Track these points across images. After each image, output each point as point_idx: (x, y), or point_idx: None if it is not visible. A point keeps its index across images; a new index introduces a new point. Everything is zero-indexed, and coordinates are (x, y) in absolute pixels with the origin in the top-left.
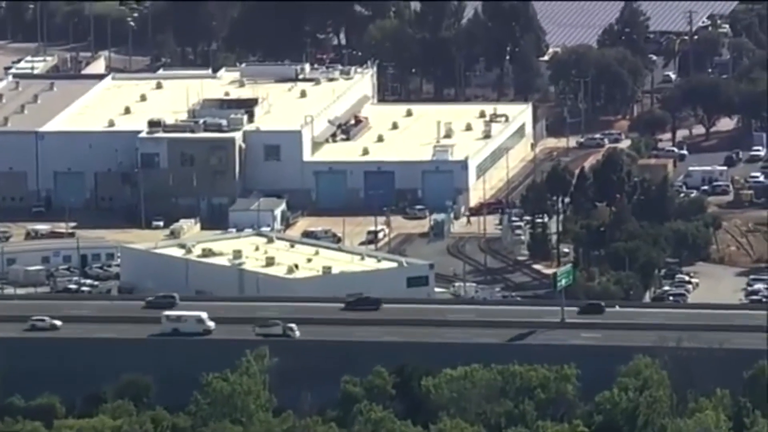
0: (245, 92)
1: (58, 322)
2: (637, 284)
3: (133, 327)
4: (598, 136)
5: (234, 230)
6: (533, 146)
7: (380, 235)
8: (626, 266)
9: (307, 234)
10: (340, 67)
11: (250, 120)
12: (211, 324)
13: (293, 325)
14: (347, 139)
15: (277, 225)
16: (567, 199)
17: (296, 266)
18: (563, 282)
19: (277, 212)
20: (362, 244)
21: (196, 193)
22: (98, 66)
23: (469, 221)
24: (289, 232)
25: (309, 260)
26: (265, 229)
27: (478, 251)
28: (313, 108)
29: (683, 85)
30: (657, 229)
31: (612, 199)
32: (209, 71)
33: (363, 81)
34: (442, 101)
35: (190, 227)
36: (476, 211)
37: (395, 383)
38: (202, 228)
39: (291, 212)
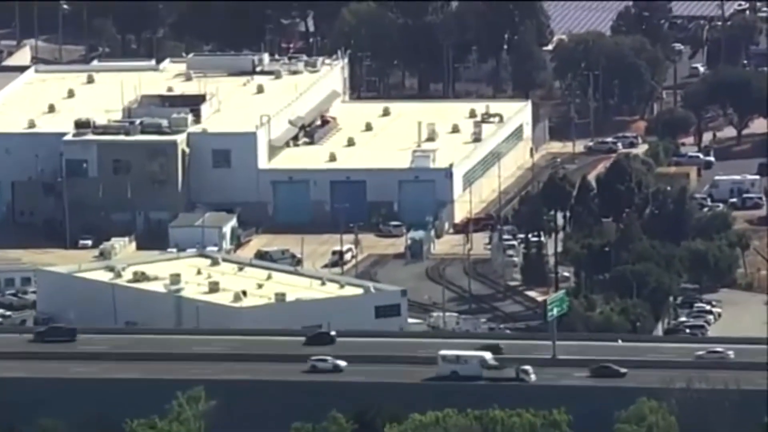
0: (192, 87)
1: None
2: (646, 314)
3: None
4: (610, 139)
5: (175, 250)
6: (533, 151)
7: (347, 256)
8: (633, 293)
9: (260, 255)
10: (305, 57)
11: (197, 120)
12: None
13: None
14: (311, 143)
15: (226, 244)
16: (567, 214)
17: (244, 293)
18: (555, 311)
19: (227, 229)
20: (326, 266)
21: (131, 207)
22: (23, 57)
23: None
24: (241, 253)
25: (260, 286)
26: (211, 249)
27: (463, 275)
28: (271, 106)
29: (710, 79)
30: (672, 250)
31: (619, 213)
32: (152, 63)
33: (332, 74)
34: (427, 98)
35: (123, 247)
36: (462, 227)
37: (354, 430)
38: (138, 248)
39: (243, 229)
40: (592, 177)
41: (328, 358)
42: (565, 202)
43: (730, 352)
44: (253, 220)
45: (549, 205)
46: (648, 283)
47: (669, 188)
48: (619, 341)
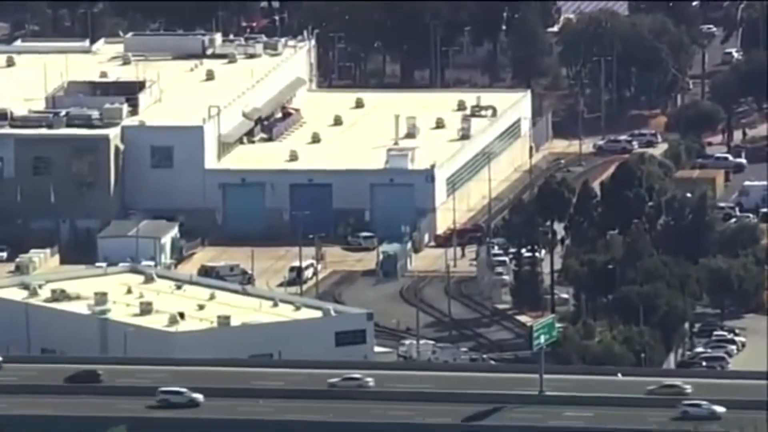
0: (129, 72)
1: None
2: (653, 343)
3: None
4: (624, 137)
5: (105, 265)
6: (532, 151)
7: (308, 272)
8: (640, 318)
9: (204, 271)
10: (264, 39)
11: (133, 111)
12: None
13: None
14: (269, 139)
15: (166, 258)
16: (566, 225)
17: (182, 315)
18: (542, 339)
19: (166, 240)
20: (282, 285)
21: (53, 213)
22: None
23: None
24: (183, 268)
25: (201, 307)
26: (147, 263)
27: (444, 296)
28: (222, 95)
29: (743, 67)
30: (687, 268)
31: (627, 225)
32: (84, 43)
33: (296, 58)
34: (410, 88)
35: (44, 260)
36: (445, 240)
37: None
38: (62, 261)
39: (186, 240)
40: (596, 182)
41: (184, 390)
42: (564, 211)
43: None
44: (199, 229)
45: (544, 215)
46: (658, 307)
47: (689, 195)
48: (619, 375)
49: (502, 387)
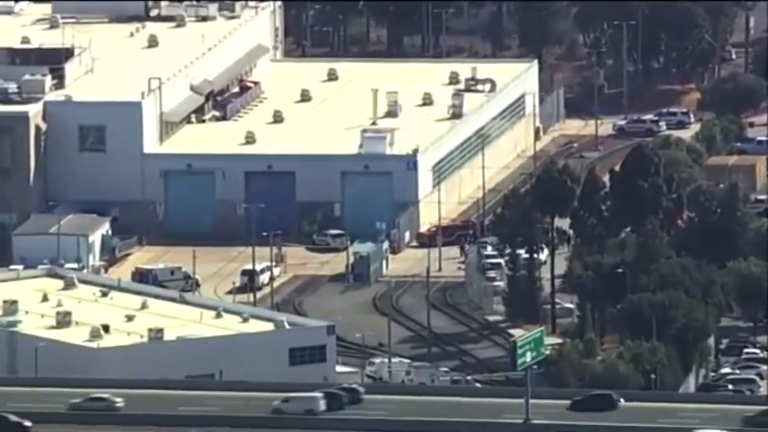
0: (57, 37)
1: None
2: (667, 363)
3: None
4: (650, 117)
5: (20, 267)
6: (539, 133)
7: (263, 277)
8: (654, 332)
9: (140, 274)
10: None
11: (59, 84)
12: None
13: None
14: (223, 118)
15: (95, 259)
16: (568, 222)
17: (106, 328)
18: (528, 357)
19: (95, 238)
20: (231, 292)
21: None
22: None
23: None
24: (116, 271)
25: (129, 318)
26: (71, 266)
27: (425, 305)
28: (167, 65)
29: None
30: (711, 273)
31: (640, 221)
32: (8, 3)
33: (258, 22)
34: (399, 56)
35: None
36: (429, 239)
37: None
38: None
39: (121, 238)
40: (604, 170)
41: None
42: (566, 204)
43: None
44: (136, 225)
45: (543, 209)
46: (674, 319)
47: (719, 185)
48: (621, 401)
49: (482, 414)
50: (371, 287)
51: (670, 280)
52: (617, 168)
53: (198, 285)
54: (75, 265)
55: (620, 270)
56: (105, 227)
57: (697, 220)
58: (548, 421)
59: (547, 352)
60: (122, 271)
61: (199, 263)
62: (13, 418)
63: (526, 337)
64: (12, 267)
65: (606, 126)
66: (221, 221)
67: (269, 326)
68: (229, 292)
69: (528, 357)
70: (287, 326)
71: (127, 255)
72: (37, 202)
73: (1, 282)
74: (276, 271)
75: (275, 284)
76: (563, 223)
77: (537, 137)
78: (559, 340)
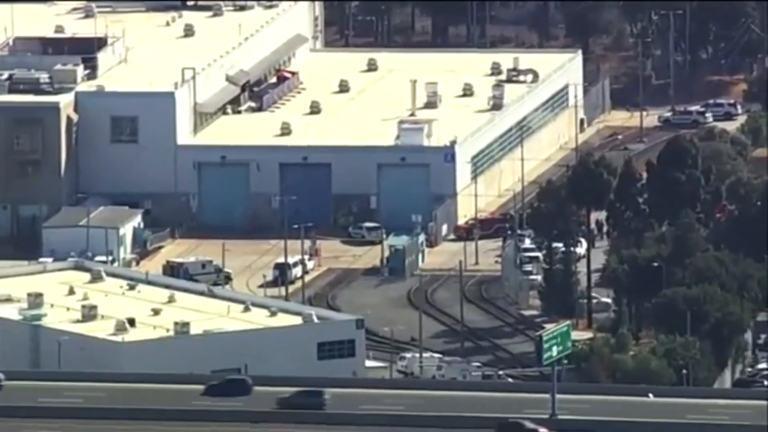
0: (91, 27)
1: None
2: (701, 358)
3: None
4: (696, 108)
5: (50, 260)
6: (583, 124)
7: (295, 270)
8: (688, 326)
9: (170, 268)
10: None
11: (91, 75)
12: None
13: None
14: (259, 109)
15: (126, 252)
16: (604, 215)
17: (131, 322)
18: (554, 352)
19: (126, 230)
20: (263, 286)
21: None
22: None
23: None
24: (147, 265)
25: (156, 312)
26: (101, 259)
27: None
28: (202, 55)
29: None
30: (748, 267)
31: (678, 214)
32: None
33: (297, 11)
34: (444, 46)
35: None
36: (467, 232)
37: None
38: (0, 255)
39: (153, 230)
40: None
41: None
42: (602, 196)
43: None
44: (168, 218)
45: (579, 202)
46: (709, 314)
47: (757, 179)
48: (650, 396)
49: (508, 410)
50: (406, 281)
51: (706, 274)
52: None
53: (229, 279)
54: (104, 258)
55: (656, 264)
56: (136, 220)
57: (737, 213)
58: (574, 417)
59: (571, 347)
60: (153, 265)
61: (231, 256)
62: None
63: (552, 332)
64: (41, 260)
65: (652, 117)
66: (255, 214)
67: (297, 320)
68: (261, 286)
69: (554, 351)
70: (315, 320)
71: (159, 248)
72: (67, 195)
73: (27, 275)
74: (310, 264)
75: (309, 278)
76: (600, 216)
77: (581, 129)
78: (590, 335)
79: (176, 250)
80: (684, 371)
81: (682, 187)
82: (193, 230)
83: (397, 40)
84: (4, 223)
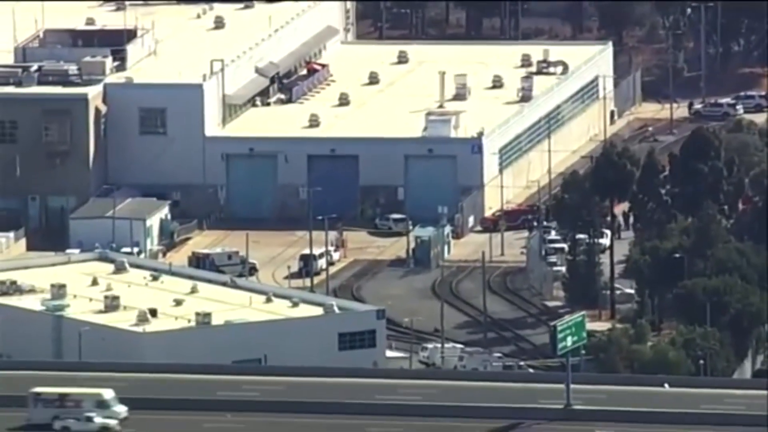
0: (122, 19)
1: None
2: (719, 350)
3: None
4: (727, 100)
5: (78, 251)
6: (614, 116)
7: (321, 262)
8: (708, 317)
9: (196, 259)
10: None
11: (120, 66)
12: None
13: None
14: (288, 101)
15: (153, 243)
16: (627, 206)
17: (153, 312)
18: (569, 342)
19: (153, 222)
20: (288, 277)
21: (20, 189)
22: None
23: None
24: (174, 256)
25: (178, 302)
26: (127, 250)
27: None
28: (232, 47)
29: None
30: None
31: (700, 206)
32: None
33: (328, 3)
34: (478, 39)
35: (7, 245)
36: (493, 224)
37: None
38: (29, 247)
39: (180, 222)
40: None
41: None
42: (626, 188)
43: None
44: (196, 209)
45: (602, 193)
46: (729, 305)
47: None
48: (666, 386)
49: (524, 400)
50: (431, 272)
51: (727, 266)
52: (675, 151)
53: (255, 270)
54: (129, 249)
55: (678, 255)
56: (164, 211)
57: (760, 204)
58: (589, 407)
59: (587, 337)
60: (180, 256)
61: (258, 248)
62: None
63: (567, 322)
64: (68, 251)
65: (682, 110)
66: (283, 205)
67: (318, 311)
68: (286, 277)
69: (569, 341)
70: (336, 311)
71: (187, 239)
72: (96, 186)
73: (51, 266)
74: (336, 255)
75: (334, 269)
76: (625, 207)
77: (611, 121)
78: (609, 326)
79: (204, 241)
80: (701, 362)
81: (704, 179)
82: (221, 222)
83: (431, 33)
84: (33, 215)
